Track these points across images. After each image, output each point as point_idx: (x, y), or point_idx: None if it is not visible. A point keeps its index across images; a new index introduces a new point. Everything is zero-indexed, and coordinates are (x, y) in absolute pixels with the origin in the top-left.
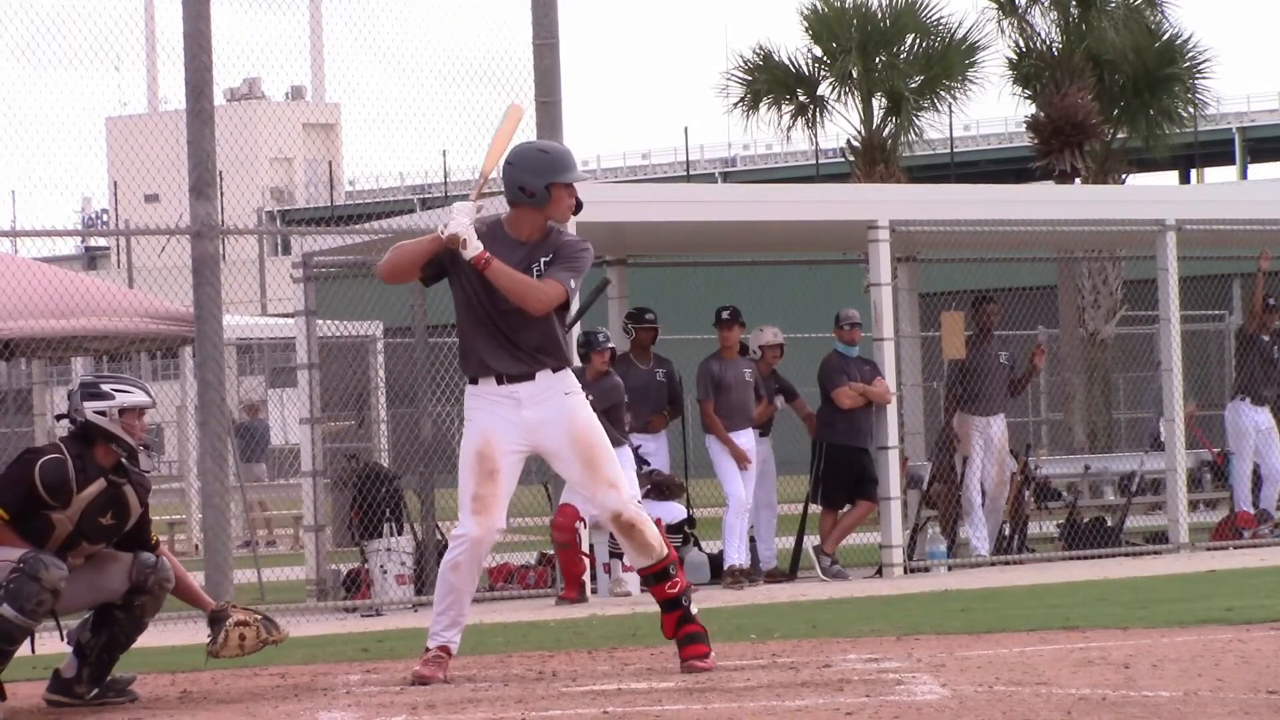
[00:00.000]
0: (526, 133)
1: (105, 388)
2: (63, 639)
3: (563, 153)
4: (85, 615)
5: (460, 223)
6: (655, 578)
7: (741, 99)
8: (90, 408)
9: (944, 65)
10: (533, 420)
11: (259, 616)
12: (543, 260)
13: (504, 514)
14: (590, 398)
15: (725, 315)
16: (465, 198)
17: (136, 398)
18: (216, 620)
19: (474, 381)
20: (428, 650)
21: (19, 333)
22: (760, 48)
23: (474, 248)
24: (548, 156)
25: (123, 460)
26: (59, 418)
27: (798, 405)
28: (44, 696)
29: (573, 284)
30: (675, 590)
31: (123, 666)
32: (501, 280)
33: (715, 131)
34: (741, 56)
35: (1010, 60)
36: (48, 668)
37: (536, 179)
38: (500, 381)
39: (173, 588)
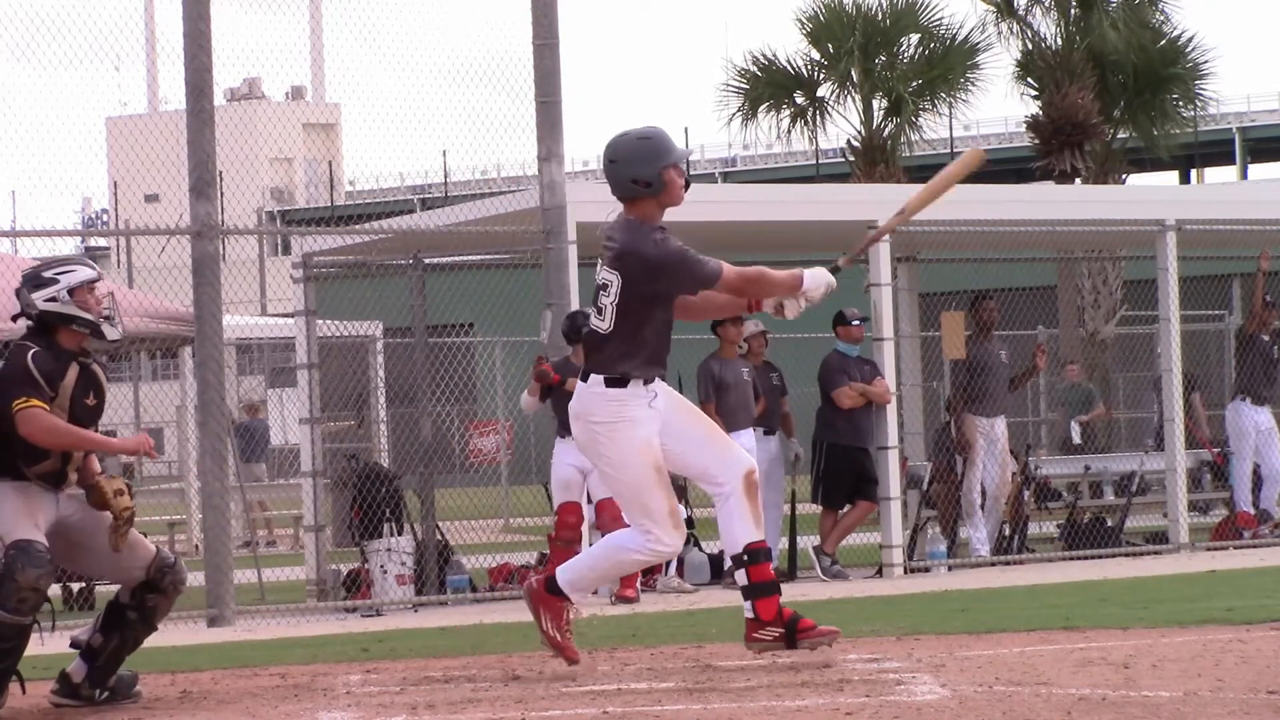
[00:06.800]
0: (528, 134)
1: (48, 274)
2: (52, 628)
3: (662, 133)
4: (92, 618)
5: (815, 294)
6: (768, 554)
7: (740, 108)
8: (39, 298)
9: (945, 67)
10: (661, 405)
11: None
12: None
13: None
14: None
15: None
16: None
17: (82, 274)
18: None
19: (621, 384)
20: (568, 603)
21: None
22: (759, 56)
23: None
24: (651, 142)
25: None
26: (15, 318)
27: (780, 403)
28: (49, 699)
29: None
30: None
31: (124, 665)
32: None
33: (715, 131)
34: (733, 64)
35: (1017, 60)
36: (49, 667)
37: (649, 168)
38: (648, 381)
39: (184, 587)
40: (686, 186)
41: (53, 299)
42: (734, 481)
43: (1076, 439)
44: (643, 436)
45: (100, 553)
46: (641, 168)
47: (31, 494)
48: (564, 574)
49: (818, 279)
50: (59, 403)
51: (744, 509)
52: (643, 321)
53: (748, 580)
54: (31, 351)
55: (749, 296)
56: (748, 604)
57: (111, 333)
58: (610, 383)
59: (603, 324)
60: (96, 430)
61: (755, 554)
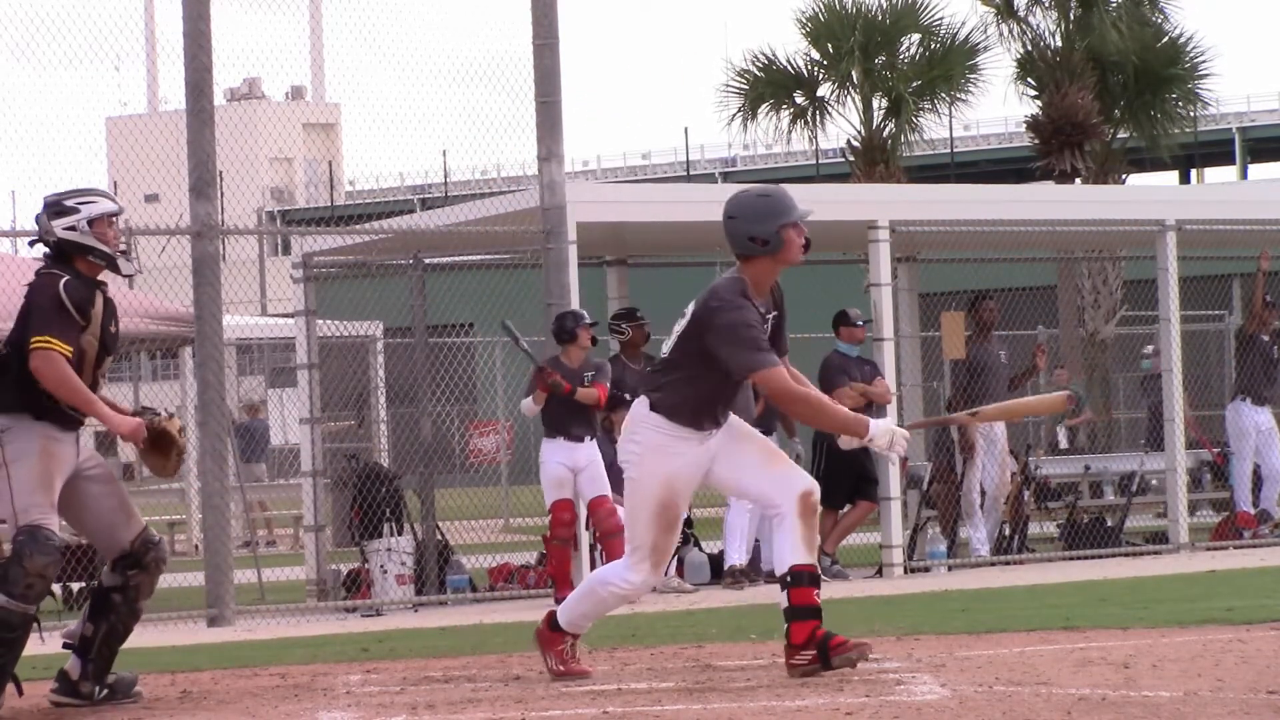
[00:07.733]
0: (528, 134)
1: (69, 203)
2: (65, 613)
3: (783, 193)
4: (81, 611)
5: (897, 445)
6: (814, 578)
7: (740, 108)
8: (59, 226)
9: (945, 67)
10: (714, 444)
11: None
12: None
13: None
14: (590, 378)
15: None
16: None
17: (103, 206)
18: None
19: (664, 418)
20: (569, 638)
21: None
22: (759, 55)
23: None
24: (771, 200)
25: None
26: (32, 243)
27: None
28: (49, 699)
29: None
30: (819, 598)
31: (124, 665)
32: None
33: (715, 131)
34: (733, 64)
35: (1018, 60)
36: (48, 667)
37: (767, 225)
38: (704, 428)
39: (165, 565)
40: (807, 246)
41: (71, 228)
42: (789, 503)
43: (1064, 443)
44: (670, 471)
45: (100, 511)
46: (759, 225)
47: (56, 447)
48: (562, 615)
49: (884, 429)
50: (92, 330)
51: (796, 531)
52: (695, 372)
53: (788, 602)
54: (63, 280)
55: (793, 416)
56: (786, 627)
57: (127, 267)
58: (656, 409)
59: (666, 349)
60: (110, 362)
61: (799, 576)
